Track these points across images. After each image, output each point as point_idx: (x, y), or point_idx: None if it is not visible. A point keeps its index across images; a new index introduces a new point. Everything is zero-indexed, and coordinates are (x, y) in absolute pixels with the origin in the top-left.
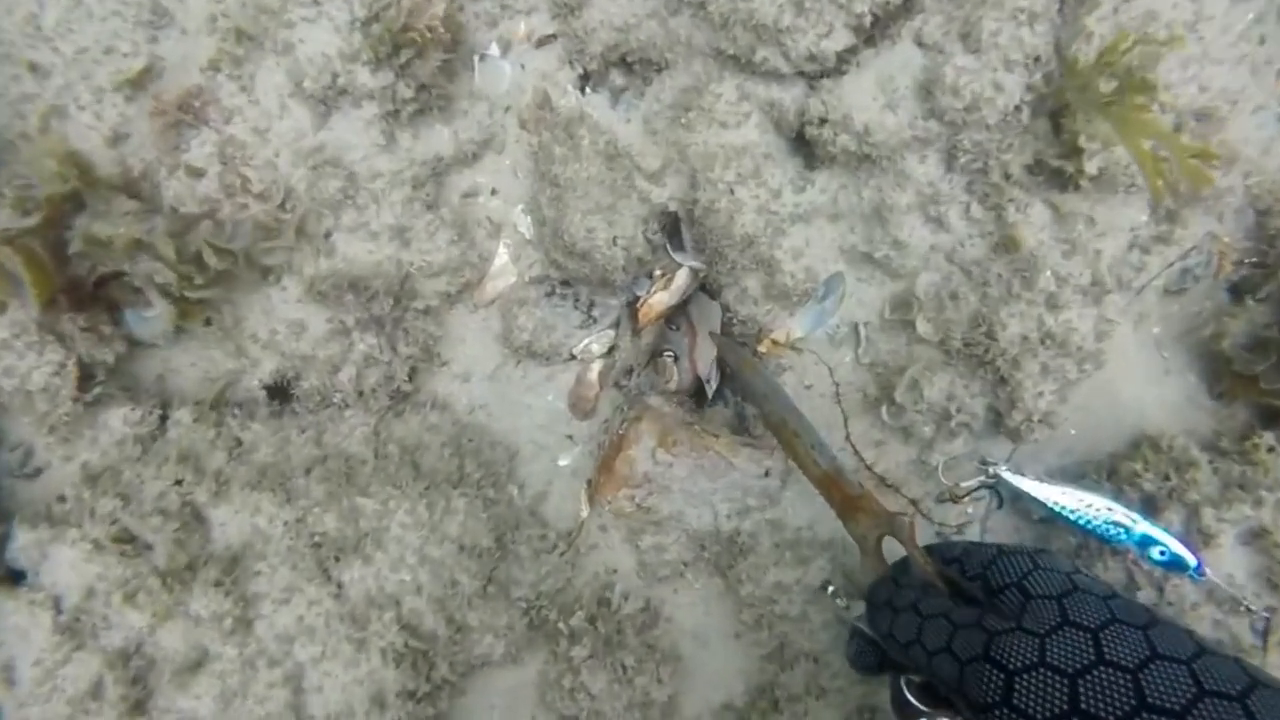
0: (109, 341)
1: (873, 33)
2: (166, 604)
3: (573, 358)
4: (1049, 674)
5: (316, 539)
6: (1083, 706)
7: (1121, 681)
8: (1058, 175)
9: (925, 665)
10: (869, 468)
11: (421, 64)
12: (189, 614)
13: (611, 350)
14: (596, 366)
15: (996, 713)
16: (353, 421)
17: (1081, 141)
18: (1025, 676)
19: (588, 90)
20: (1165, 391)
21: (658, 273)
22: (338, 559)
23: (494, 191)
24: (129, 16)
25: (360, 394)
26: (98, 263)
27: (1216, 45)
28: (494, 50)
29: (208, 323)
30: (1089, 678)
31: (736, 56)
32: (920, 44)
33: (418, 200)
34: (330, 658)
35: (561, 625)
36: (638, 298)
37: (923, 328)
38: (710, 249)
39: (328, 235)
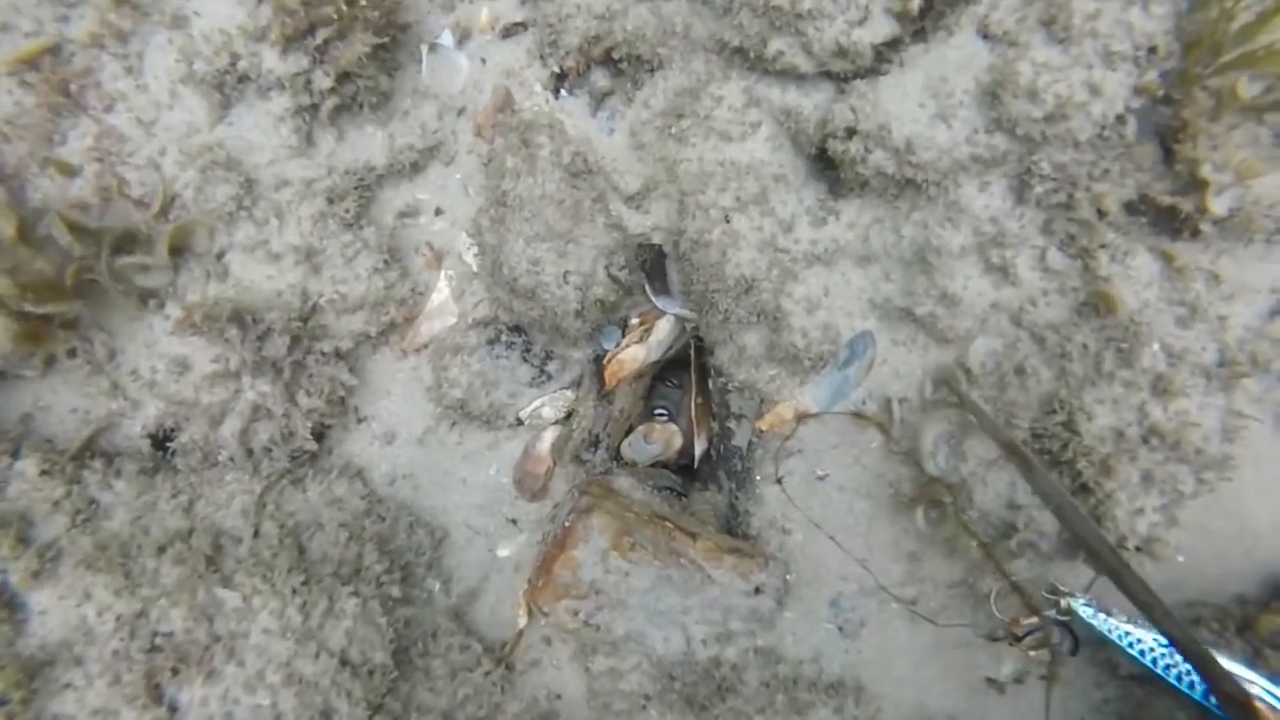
0: None
1: (922, 21)
2: None
3: (519, 423)
4: None
5: (156, 641)
6: None
7: None
8: (1170, 216)
9: None
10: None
11: (344, 48)
12: None
13: (570, 416)
14: (549, 435)
15: None
16: (233, 488)
17: (1205, 172)
18: None
19: (562, 92)
20: None
21: (634, 320)
22: (176, 671)
23: (438, 211)
24: None
25: (250, 453)
26: None
27: None
28: (447, 39)
29: (72, 354)
30: None
31: (745, 50)
32: (986, 34)
33: (334, 217)
34: None
35: None
36: (606, 352)
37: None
38: (699, 293)
39: (221, 255)
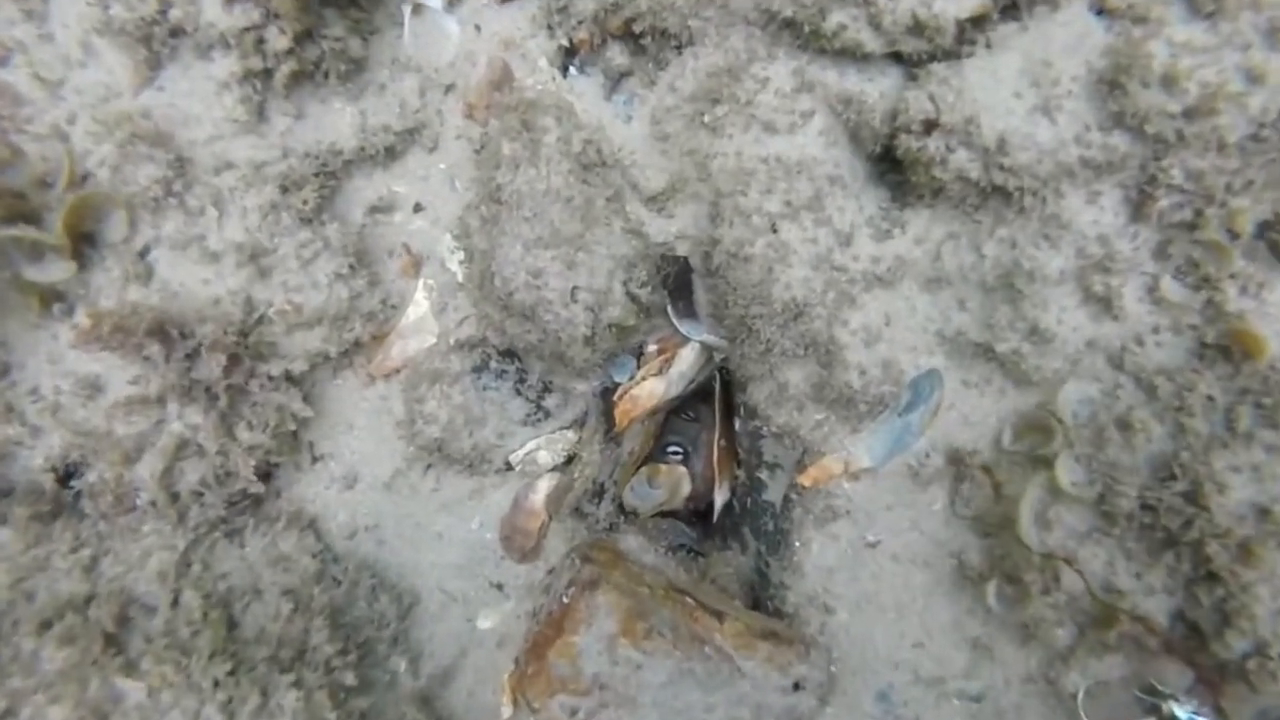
0: None
1: None
2: None
3: (509, 468)
4: None
5: None
6: None
7: None
8: None
9: None
10: None
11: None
12: None
13: (570, 461)
14: (545, 484)
15: None
16: (151, 541)
17: None
18: None
19: (572, 70)
20: None
21: (652, 348)
22: None
23: (419, 208)
24: None
25: (175, 497)
26: None
27: None
28: (434, 0)
29: None
30: None
31: (797, 23)
32: (1103, 9)
33: (288, 209)
34: None
35: None
36: (617, 385)
37: (1067, 471)
38: (735, 318)
39: (144, 252)
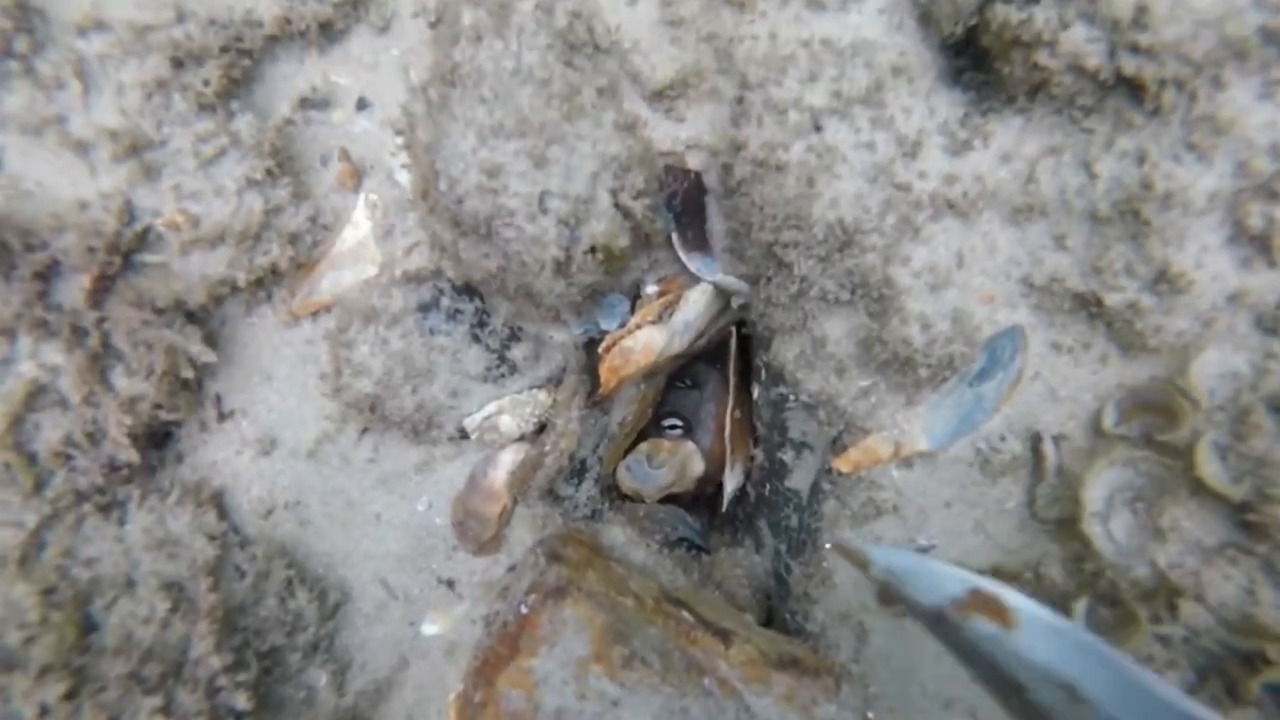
0: None
1: None
2: None
3: (464, 436)
4: None
5: None
6: None
7: None
8: None
9: None
10: None
11: None
12: None
13: (542, 429)
14: (509, 457)
15: None
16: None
17: None
18: None
19: None
20: None
21: (651, 289)
22: None
23: (363, 104)
24: None
25: (30, 460)
26: None
27: None
28: None
29: None
30: None
31: None
32: None
33: (184, 90)
34: None
35: None
36: (604, 334)
37: (1206, 465)
38: (760, 249)
39: None
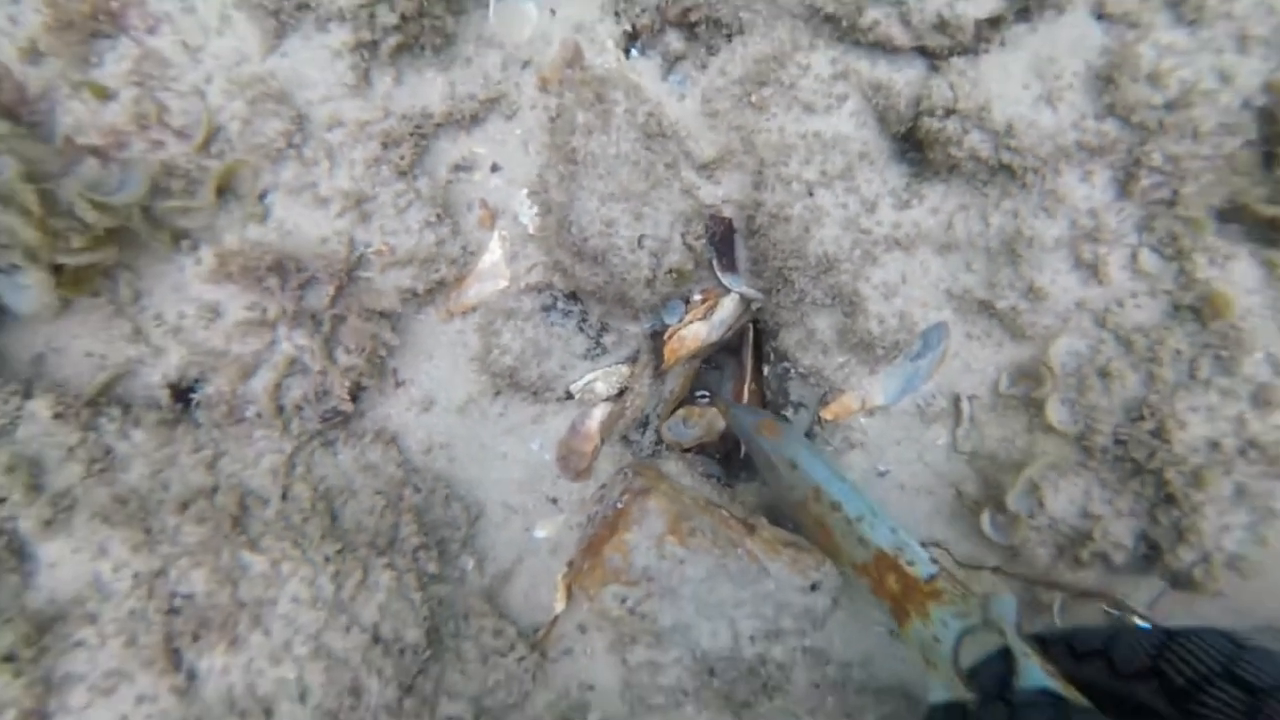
0: None
1: None
2: None
3: (569, 397)
4: None
5: (176, 602)
6: None
7: None
8: (1270, 226)
9: None
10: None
11: None
12: None
13: (623, 393)
14: (599, 412)
15: None
16: (262, 445)
17: None
18: None
19: (634, 52)
20: None
21: (697, 297)
22: (196, 636)
23: (495, 168)
24: None
25: (280, 410)
26: None
27: None
28: None
29: (94, 293)
30: None
31: (836, 18)
32: (1102, 14)
33: (388, 163)
34: None
35: None
36: (666, 327)
37: (1055, 412)
38: (772, 271)
39: (263, 195)
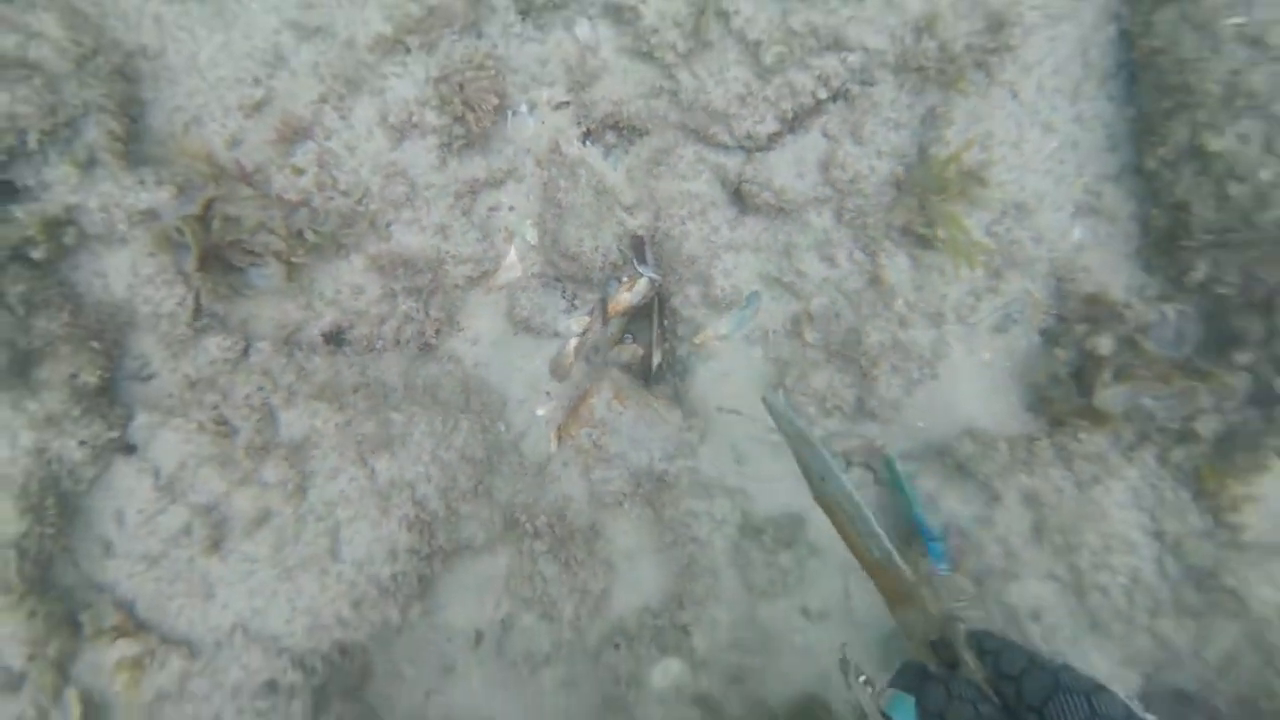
0: (220, 290)
1: (793, 123)
2: (246, 470)
3: (556, 334)
4: None
5: (358, 438)
6: None
7: None
8: (922, 238)
9: None
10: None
11: (473, 116)
12: (261, 480)
13: (585, 332)
14: (574, 341)
15: None
16: (389, 361)
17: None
18: None
19: (588, 143)
20: (991, 404)
21: (624, 279)
22: (373, 452)
23: (511, 208)
24: (256, 58)
25: (397, 342)
26: (226, 235)
27: (1032, 160)
28: (524, 109)
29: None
30: None
31: (697, 131)
32: (824, 134)
33: (458, 208)
34: (361, 519)
35: (528, 525)
36: (609, 296)
37: (811, 336)
38: (666, 264)
39: (389, 225)
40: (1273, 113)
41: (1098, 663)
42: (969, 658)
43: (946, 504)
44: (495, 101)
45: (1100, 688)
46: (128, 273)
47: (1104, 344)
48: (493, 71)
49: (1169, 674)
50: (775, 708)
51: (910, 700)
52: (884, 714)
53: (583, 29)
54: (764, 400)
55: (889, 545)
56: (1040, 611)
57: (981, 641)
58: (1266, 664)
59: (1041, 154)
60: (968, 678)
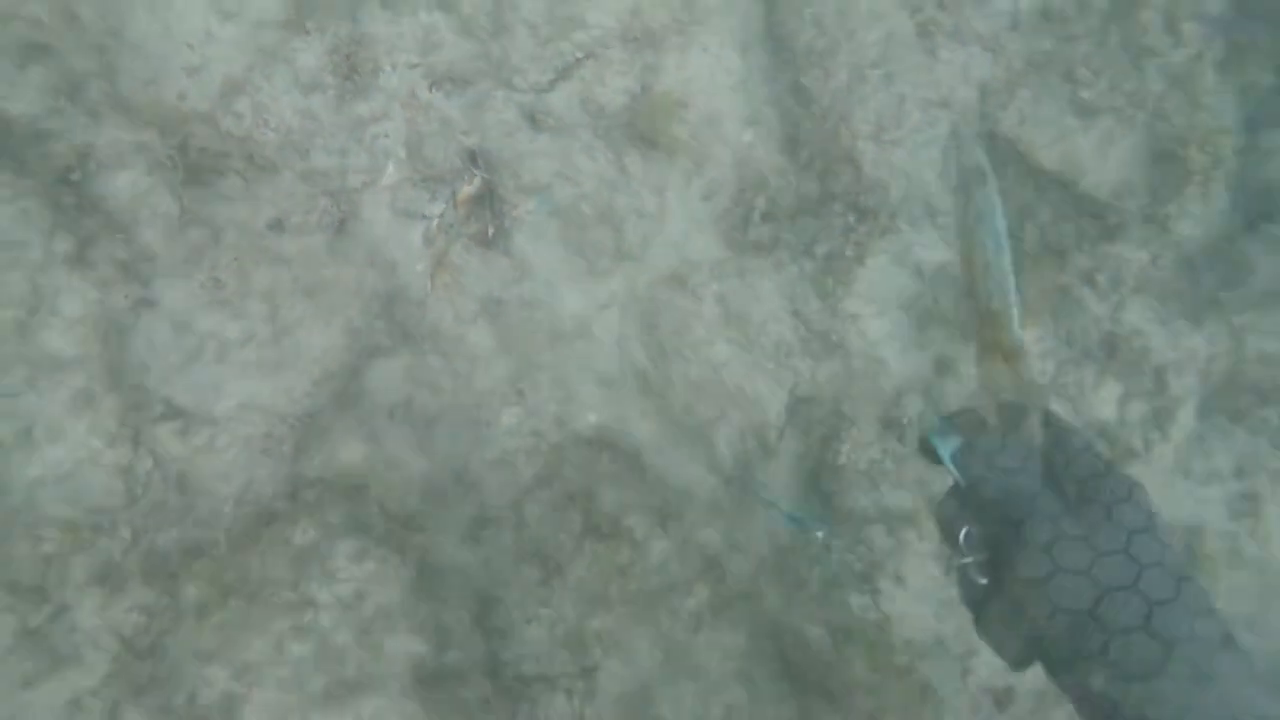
0: (197, 197)
1: (563, 74)
2: (235, 308)
3: (424, 217)
4: (1077, 579)
5: (303, 285)
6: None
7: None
8: (651, 142)
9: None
10: None
11: (357, 76)
12: (246, 314)
13: (443, 214)
14: (436, 221)
15: (1021, 589)
16: (315, 239)
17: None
18: (1062, 576)
19: (433, 91)
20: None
21: (466, 178)
22: (309, 295)
23: (387, 136)
24: (192, 36)
25: (319, 227)
26: (201, 160)
27: (719, 90)
28: (389, 69)
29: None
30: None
31: (504, 80)
32: (581, 81)
33: (352, 137)
34: (312, 320)
35: (417, 336)
36: (456, 190)
37: (585, 207)
38: (492, 167)
39: (307, 151)
40: None
41: None
42: (1036, 420)
43: None
44: (371, 65)
45: (1154, 514)
46: (130, 188)
47: (760, 201)
48: (368, 45)
49: None
50: None
51: (955, 435)
52: (926, 438)
53: (424, 15)
54: (957, 132)
55: (1013, 301)
56: None
57: (1057, 425)
58: None
59: (725, 86)
60: (1025, 441)
